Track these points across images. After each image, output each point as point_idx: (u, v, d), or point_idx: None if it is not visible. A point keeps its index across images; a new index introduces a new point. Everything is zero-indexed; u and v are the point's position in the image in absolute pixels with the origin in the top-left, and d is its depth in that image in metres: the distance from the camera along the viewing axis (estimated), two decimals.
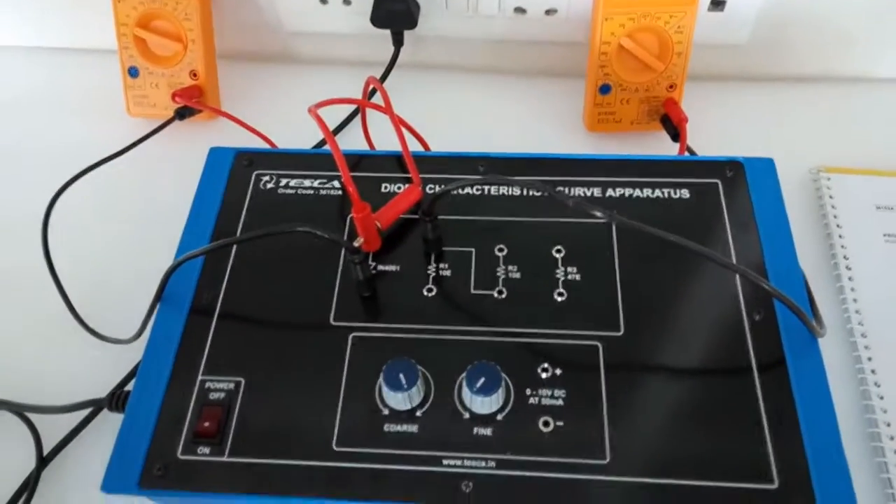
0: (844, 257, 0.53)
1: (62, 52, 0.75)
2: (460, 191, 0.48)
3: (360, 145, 0.61)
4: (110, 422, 0.49)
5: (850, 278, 0.52)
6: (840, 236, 0.54)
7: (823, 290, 0.53)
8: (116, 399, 0.45)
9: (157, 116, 0.65)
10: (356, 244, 0.42)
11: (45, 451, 0.50)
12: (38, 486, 0.48)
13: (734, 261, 0.43)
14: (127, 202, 0.63)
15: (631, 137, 0.63)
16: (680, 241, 0.36)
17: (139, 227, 0.61)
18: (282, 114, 0.67)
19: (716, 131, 0.62)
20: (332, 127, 0.65)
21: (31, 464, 0.49)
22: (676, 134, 0.58)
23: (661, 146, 0.61)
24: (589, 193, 0.47)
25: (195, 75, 0.64)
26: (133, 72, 0.65)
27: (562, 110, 0.66)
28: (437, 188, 0.48)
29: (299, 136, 0.62)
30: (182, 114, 0.63)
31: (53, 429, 0.50)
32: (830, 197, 0.56)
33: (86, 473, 0.49)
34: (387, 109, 0.51)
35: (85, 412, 0.51)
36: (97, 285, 0.57)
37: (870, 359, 0.48)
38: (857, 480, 0.36)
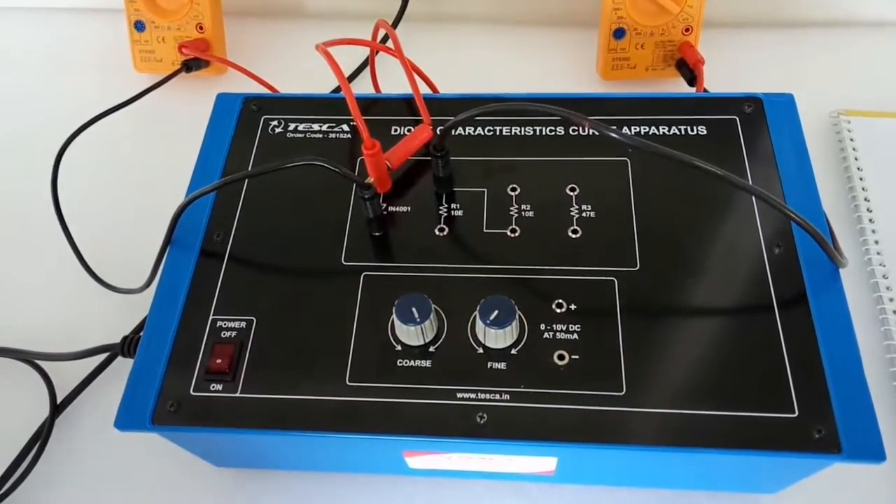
0: (866, 199, 0.52)
1: (70, 11, 0.74)
2: (472, 131, 0.47)
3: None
4: (124, 369, 0.49)
5: (871, 220, 0.51)
6: (861, 179, 0.53)
7: (844, 233, 0.52)
8: (129, 344, 0.45)
9: (163, 72, 0.64)
10: (367, 181, 0.42)
11: (59, 400, 0.50)
12: (52, 433, 0.49)
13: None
14: (134, 155, 0.63)
15: (646, 85, 0.61)
16: (694, 162, 0.35)
17: (147, 179, 0.61)
18: (289, 69, 0.66)
19: (732, 77, 0.60)
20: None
21: (45, 412, 0.49)
22: (692, 78, 0.56)
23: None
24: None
25: (201, 28, 0.63)
26: (139, 26, 0.64)
27: (575, 60, 0.65)
28: None
29: (308, 90, 0.62)
30: (189, 66, 0.63)
31: (66, 377, 0.50)
32: (851, 140, 0.55)
33: (99, 420, 0.49)
34: (396, 52, 0.50)
35: (98, 360, 0.51)
36: (106, 237, 0.57)
37: (891, 300, 0.48)
38: (879, 416, 0.35)
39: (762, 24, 0.65)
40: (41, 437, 0.48)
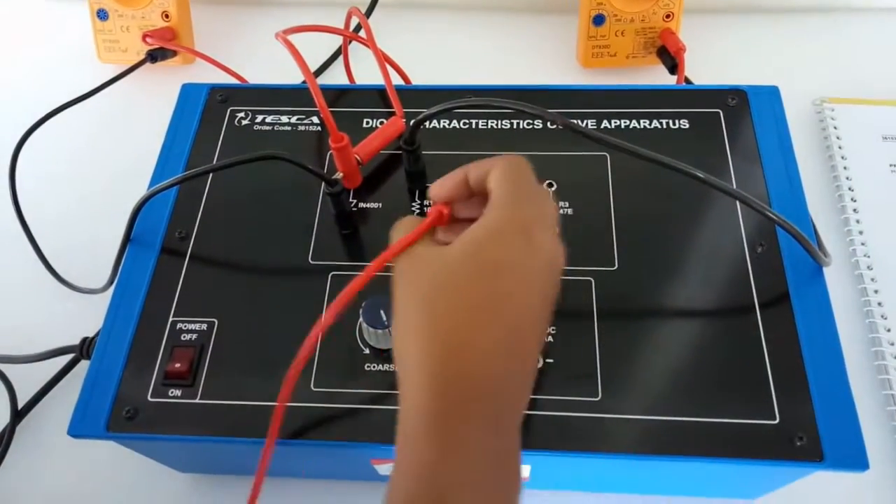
0: (850, 189, 0.51)
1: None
2: (446, 124, 0.46)
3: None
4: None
5: (855, 210, 0.50)
6: (845, 168, 0.52)
7: (828, 224, 0.51)
8: (88, 346, 0.43)
9: (128, 62, 0.61)
10: (335, 177, 0.40)
11: (20, 405, 0.48)
12: (13, 440, 0.47)
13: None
14: (97, 148, 0.60)
15: (627, 73, 0.60)
16: (672, 164, 0.33)
17: (111, 174, 0.58)
18: (260, 58, 0.64)
19: (714, 65, 0.59)
20: (313, 67, 0.63)
21: (5, 418, 0.47)
22: (674, 66, 0.55)
23: (659, 81, 0.58)
24: (584, 125, 0.44)
25: (167, 16, 0.61)
26: (102, 14, 0.62)
27: (554, 48, 0.63)
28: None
29: (280, 81, 0.60)
30: (154, 56, 0.60)
31: (29, 382, 0.48)
32: (835, 128, 0.54)
33: (63, 427, 0.47)
34: (368, 41, 0.48)
35: (60, 364, 0.49)
36: (68, 234, 0.55)
37: (876, 291, 0.47)
38: (863, 412, 0.34)
39: (744, 10, 0.64)
40: (1, 444, 0.46)
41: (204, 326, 0.38)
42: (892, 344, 0.45)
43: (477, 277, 0.27)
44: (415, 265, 0.29)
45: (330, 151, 0.44)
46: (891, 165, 0.52)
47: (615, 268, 0.39)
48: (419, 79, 0.57)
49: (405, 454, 0.26)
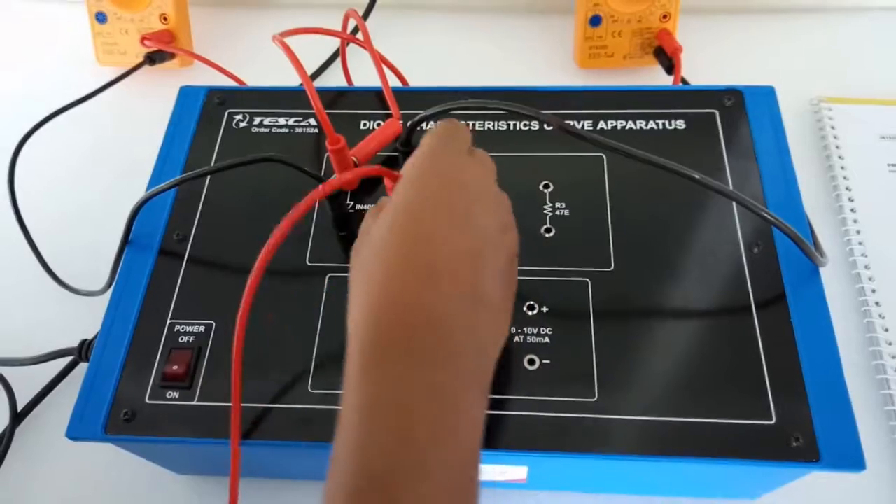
0: (847, 188, 0.51)
1: (31, 1, 0.72)
2: None
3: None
4: None
5: (852, 209, 0.50)
6: (842, 167, 0.52)
7: (826, 223, 0.51)
8: (87, 348, 0.43)
9: (127, 65, 0.62)
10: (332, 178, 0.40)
11: (20, 408, 0.48)
12: (12, 443, 0.47)
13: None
14: (96, 151, 0.60)
15: (624, 73, 0.60)
16: (668, 165, 0.33)
17: (111, 176, 0.59)
18: (258, 61, 0.64)
19: (711, 65, 0.59)
20: (311, 69, 0.63)
21: (4, 420, 0.47)
22: (670, 66, 0.55)
23: (656, 81, 0.58)
24: (580, 126, 0.45)
25: (165, 19, 0.61)
26: (100, 17, 0.62)
27: (551, 49, 0.63)
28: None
29: (279, 83, 0.60)
30: (153, 59, 0.61)
31: (29, 384, 0.48)
32: (832, 128, 0.54)
33: (62, 429, 0.47)
34: (366, 43, 0.48)
35: (59, 366, 0.49)
36: (68, 237, 0.55)
37: (874, 290, 0.47)
38: (860, 413, 0.34)
39: (740, 10, 0.64)
40: (0, 446, 0.46)
41: (201, 328, 0.38)
42: (890, 344, 0.45)
43: (423, 206, 0.29)
44: (361, 238, 0.31)
45: (327, 153, 0.45)
46: (889, 165, 0.52)
47: (611, 269, 0.39)
48: (416, 80, 0.57)
49: (343, 406, 0.25)
